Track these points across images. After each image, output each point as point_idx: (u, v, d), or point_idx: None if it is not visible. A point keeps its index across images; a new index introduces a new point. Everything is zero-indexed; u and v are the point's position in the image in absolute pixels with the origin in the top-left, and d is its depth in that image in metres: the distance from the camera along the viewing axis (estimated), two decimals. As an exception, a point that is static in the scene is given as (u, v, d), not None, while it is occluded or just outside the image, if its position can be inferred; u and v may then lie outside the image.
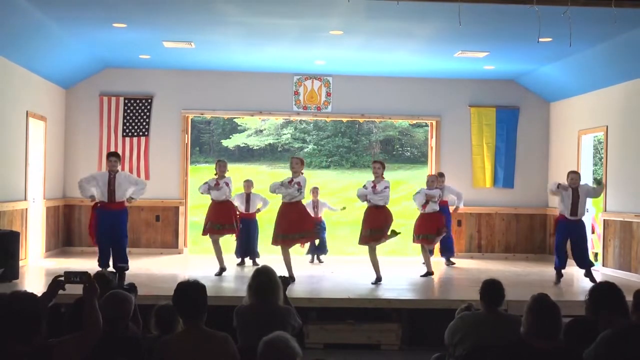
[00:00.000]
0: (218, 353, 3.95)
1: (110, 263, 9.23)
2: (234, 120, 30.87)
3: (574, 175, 9.85)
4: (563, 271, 9.64)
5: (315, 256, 11.84)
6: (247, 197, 11.31)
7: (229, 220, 10.16)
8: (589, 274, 9.49)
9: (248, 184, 11.36)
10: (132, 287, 4.91)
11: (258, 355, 3.44)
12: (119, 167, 9.34)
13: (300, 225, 9.31)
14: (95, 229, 9.11)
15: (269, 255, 11.25)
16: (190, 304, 4.02)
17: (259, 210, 11.38)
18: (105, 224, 9.05)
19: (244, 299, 5.14)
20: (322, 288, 9.16)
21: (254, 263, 11.13)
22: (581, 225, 9.78)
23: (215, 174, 10.21)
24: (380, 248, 9.84)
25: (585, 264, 9.60)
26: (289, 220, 9.25)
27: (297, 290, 8.45)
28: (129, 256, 9.45)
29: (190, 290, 4.09)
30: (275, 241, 9.40)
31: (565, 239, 9.68)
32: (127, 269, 9.23)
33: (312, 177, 29.24)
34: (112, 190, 8.99)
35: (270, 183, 9.62)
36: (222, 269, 10.09)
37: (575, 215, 9.63)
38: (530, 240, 13.04)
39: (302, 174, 9.35)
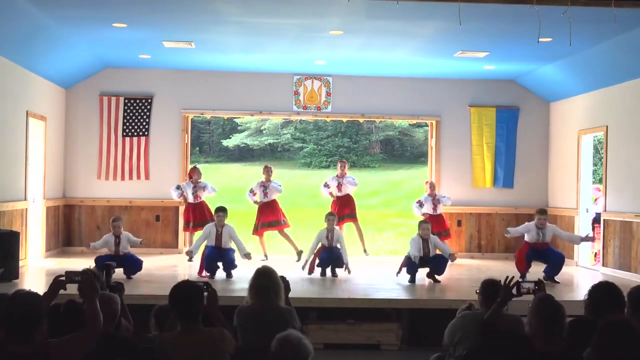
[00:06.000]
0: (214, 351, 3.98)
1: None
2: (234, 120, 30.86)
3: (425, 225, 9.86)
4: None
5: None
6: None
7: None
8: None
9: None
10: (119, 286, 4.92)
11: (272, 352, 3.43)
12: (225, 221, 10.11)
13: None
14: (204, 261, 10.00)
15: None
16: (186, 305, 4.04)
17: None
18: (215, 259, 9.93)
19: (245, 299, 5.15)
20: (322, 288, 9.15)
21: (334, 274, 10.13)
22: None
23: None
24: (380, 248, 9.82)
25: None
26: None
27: (297, 290, 8.44)
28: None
29: (184, 291, 4.10)
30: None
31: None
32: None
33: (311, 177, 29.29)
34: (219, 243, 9.93)
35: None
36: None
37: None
38: (530, 240, 13.00)
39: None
